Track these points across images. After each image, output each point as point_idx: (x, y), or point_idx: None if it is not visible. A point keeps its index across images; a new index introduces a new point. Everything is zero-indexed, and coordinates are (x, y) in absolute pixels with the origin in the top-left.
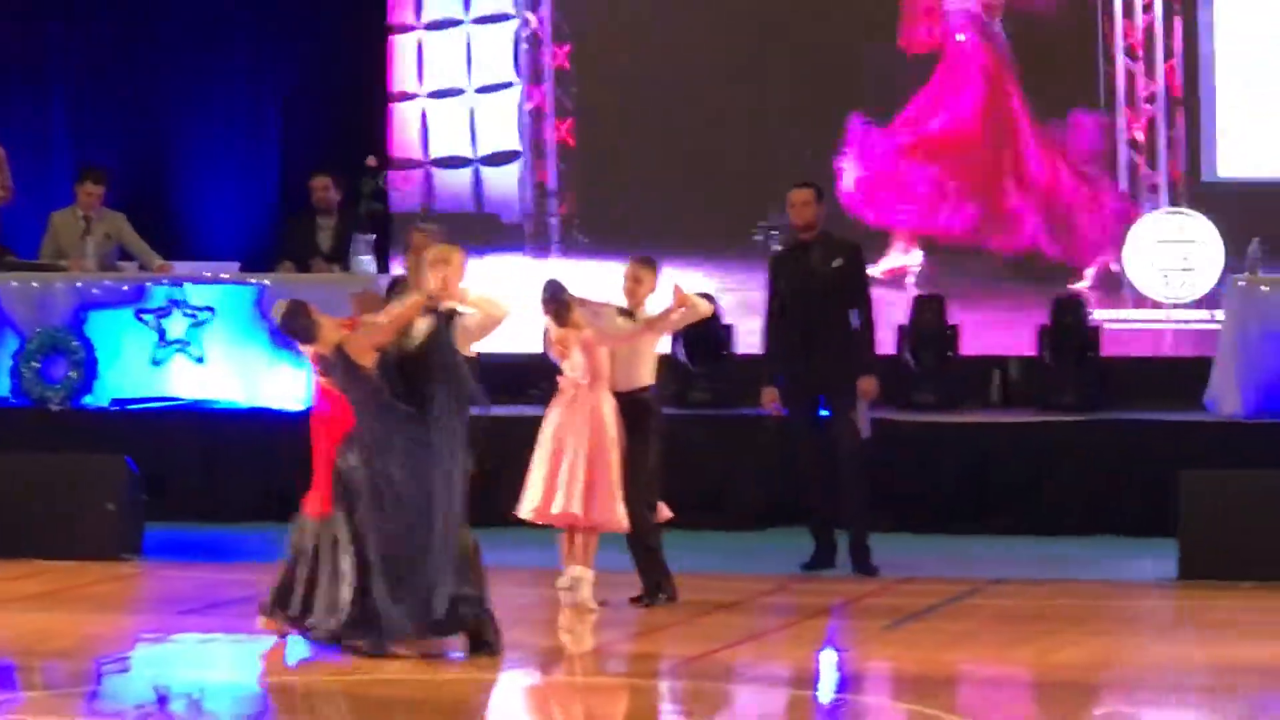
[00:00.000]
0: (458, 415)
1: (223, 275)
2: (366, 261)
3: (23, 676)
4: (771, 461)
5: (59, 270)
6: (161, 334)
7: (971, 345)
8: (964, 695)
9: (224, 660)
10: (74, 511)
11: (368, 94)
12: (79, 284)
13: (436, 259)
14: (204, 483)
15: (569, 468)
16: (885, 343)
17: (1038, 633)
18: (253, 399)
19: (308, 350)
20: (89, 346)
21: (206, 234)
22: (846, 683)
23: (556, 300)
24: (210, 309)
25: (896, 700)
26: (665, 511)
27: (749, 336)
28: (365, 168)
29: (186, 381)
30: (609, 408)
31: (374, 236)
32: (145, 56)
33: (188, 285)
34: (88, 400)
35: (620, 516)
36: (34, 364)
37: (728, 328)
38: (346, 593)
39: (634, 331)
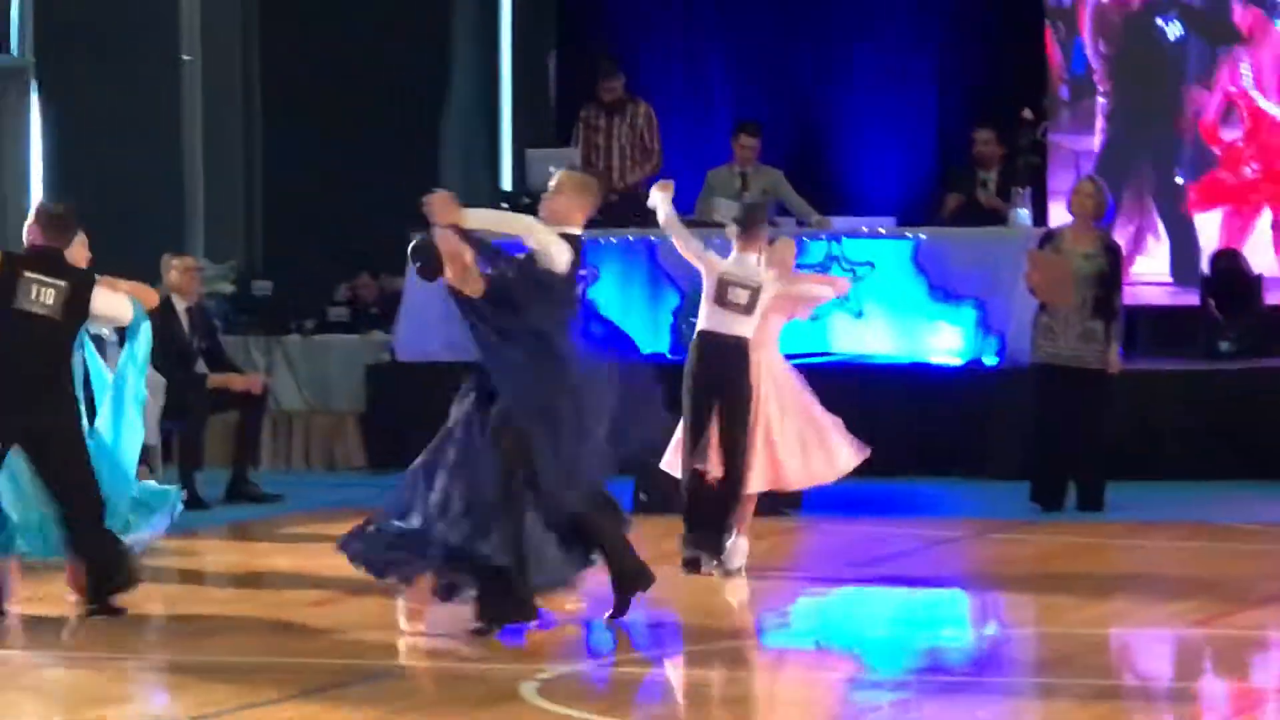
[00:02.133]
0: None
1: (880, 230)
2: (1024, 215)
3: (685, 632)
4: None
5: (718, 225)
6: None
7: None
8: None
9: (886, 615)
10: None
11: (1026, 39)
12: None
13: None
14: (863, 437)
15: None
16: None
17: None
18: (911, 353)
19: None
20: None
21: (862, 188)
22: None
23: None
24: (869, 263)
25: None
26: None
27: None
28: (1021, 120)
29: (845, 336)
30: None
31: (1030, 190)
32: (798, 10)
33: (846, 240)
34: None
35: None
36: (693, 320)
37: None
38: None
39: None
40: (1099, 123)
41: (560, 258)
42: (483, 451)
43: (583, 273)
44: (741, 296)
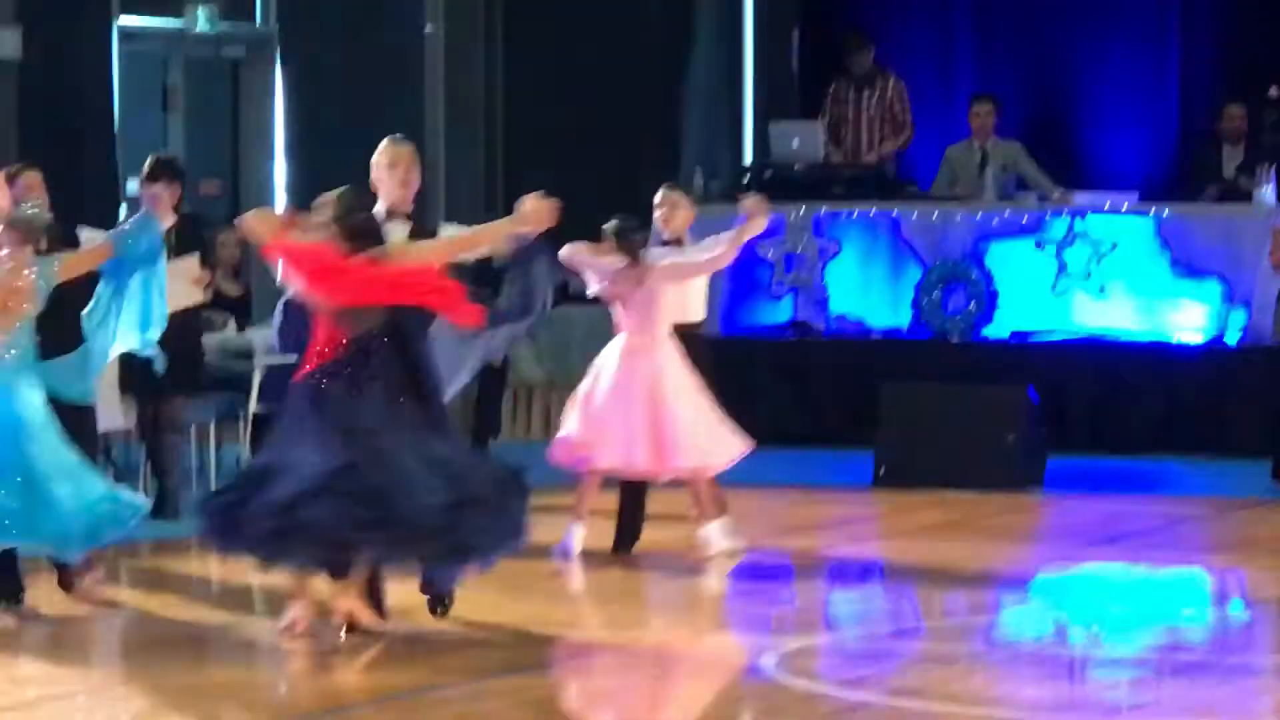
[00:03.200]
0: None
1: (1123, 205)
2: (1267, 192)
3: (924, 605)
4: None
5: (958, 200)
6: (1062, 265)
7: None
8: None
9: (1125, 593)
10: (975, 442)
11: (1274, 12)
12: (978, 215)
13: None
14: (1105, 414)
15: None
16: None
17: None
18: (1154, 331)
19: None
20: (988, 278)
21: (1105, 162)
22: None
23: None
24: (1112, 240)
25: None
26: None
27: None
28: (1267, 98)
29: (1087, 313)
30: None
31: (1276, 167)
32: None
33: (1089, 215)
34: (987, 331)
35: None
36: (934, 295)
37: None
38: None
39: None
40: None
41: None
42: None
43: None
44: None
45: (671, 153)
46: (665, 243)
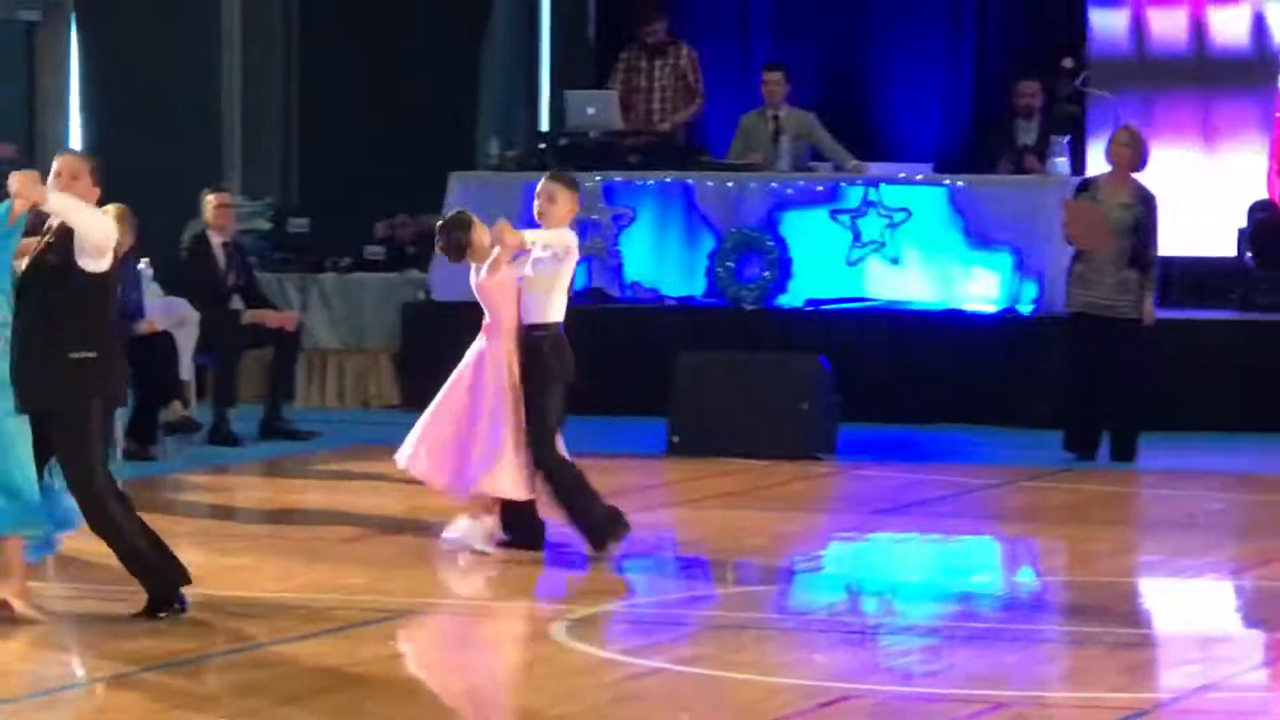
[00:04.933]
0: None
1: (917, 176)
2: (1063, 163)
3: (716, 572)
4: None
5: (753, 169)
6: (856, 235)
7: None
8: None
9: (916, 561)
10: (768, 410)
11: None
12: (773, 184)
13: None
14: (897, 384)
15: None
16: None
17: None
18: (946, 300)
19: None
20: (783, 246)
21: (900, 134)
22: None
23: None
24: (906, 210)
25: None
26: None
27: None
28: (1061, 68)
29: (881, 282)
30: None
31: (1069, 138)
32: None
33: (884, 186)
34: (781, 300)
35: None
36: (729, 263)
37: None
38: None
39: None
40: None
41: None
42: None
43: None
44: None
45: (470, 120)
46: None
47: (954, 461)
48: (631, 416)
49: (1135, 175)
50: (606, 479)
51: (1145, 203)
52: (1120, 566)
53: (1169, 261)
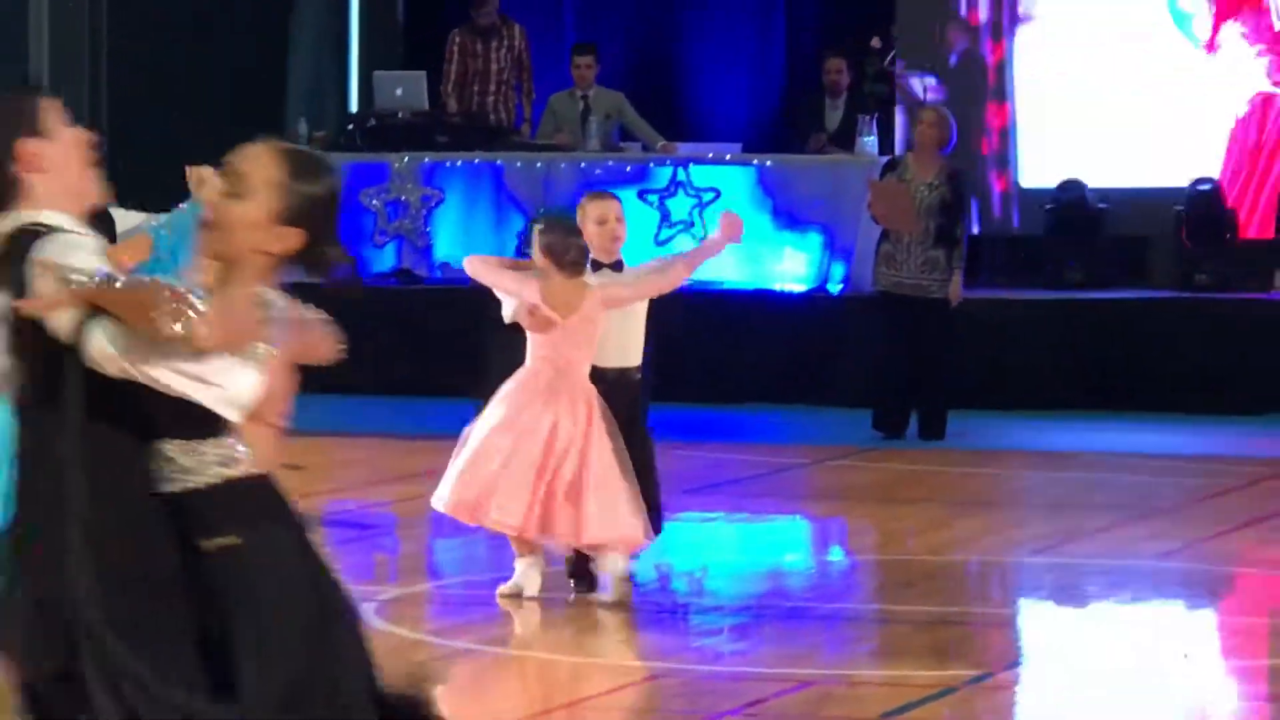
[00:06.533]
0: None
1: (726, 156)
2: (870, 143)
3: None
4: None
5: (562, 150)
6: (665, 215)
7: None
8: None
9: (726, 540)
10: None
11: None
12: (581, 164)
13: None
14: (708, 363)
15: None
16: None
17: None
18: (756, 280)
19: None
20: None
21: (708, 114)
22: None
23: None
24: (714, 190)
25: None
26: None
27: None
28: (869, 48)
29: None
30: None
31: (876, 117)
32: None
33: (692, 166)
34: None
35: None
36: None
37: (1233, 211)
38: None
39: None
40: None
41: None
42: None
43: None
44: None
45: (277, 103)
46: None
47: (764, 441)
48: (443, 398)
49: (942, 154)
50: (418, 459)
51: (953, 182)
52: (928, 544)
53: (977, 240)
